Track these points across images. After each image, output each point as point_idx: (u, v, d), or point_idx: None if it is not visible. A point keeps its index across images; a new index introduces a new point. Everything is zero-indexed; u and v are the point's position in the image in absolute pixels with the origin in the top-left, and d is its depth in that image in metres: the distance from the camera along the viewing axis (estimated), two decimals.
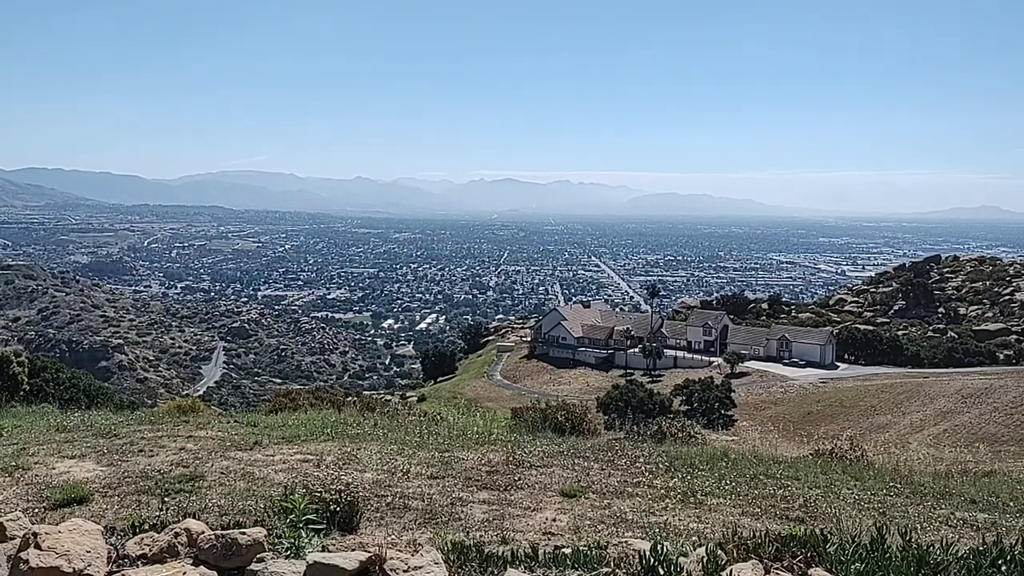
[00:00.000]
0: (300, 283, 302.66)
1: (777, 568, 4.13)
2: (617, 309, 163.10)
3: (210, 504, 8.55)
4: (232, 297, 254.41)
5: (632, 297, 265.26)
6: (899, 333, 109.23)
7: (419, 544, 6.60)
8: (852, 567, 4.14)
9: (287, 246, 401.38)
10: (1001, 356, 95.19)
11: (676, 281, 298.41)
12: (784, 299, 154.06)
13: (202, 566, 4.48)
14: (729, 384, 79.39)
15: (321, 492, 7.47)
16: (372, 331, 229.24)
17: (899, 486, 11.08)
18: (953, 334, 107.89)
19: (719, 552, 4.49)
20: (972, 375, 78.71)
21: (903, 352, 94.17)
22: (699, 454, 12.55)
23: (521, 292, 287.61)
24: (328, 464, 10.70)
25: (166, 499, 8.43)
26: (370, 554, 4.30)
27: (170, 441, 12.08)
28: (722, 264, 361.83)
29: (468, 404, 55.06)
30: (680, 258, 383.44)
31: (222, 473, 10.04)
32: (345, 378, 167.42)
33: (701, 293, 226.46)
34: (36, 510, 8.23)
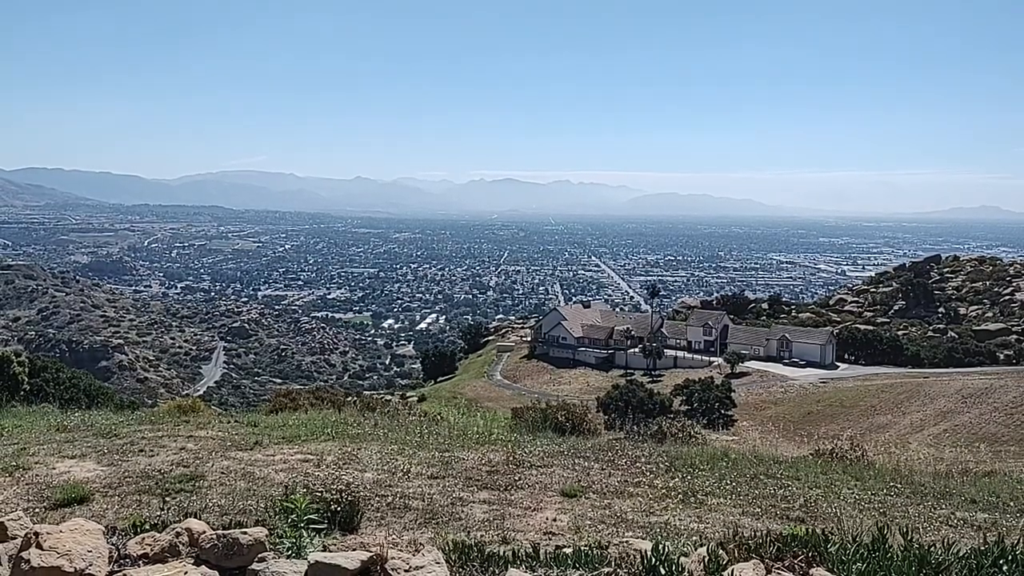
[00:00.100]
0: (300, 283, 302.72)
1: (778, 568, 4.13)
2: (617, 309, 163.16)
3: (211, 504, 8.56)
4: (232, 297, 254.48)
5: (632, 297, 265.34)
6: (899, 333, 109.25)
7: (420, 544, 6.59)
8: (854, 567, 4.14)
9: (287, 246, 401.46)
10: (1001, 356, 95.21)
11: (676, 281, 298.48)
12: (784, 299, 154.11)
13: (203, 566, 4.48)
14: (729, 384, 79.44)
15: (322, 492, 7.48)
16: (372, 331, 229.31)
17: (899, 486, 11.08)
18: (953, 334, 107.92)
19: (720, 552, 4.49)
20: (972, 375, 78.73)
21: (903, 352, 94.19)
22: (699, 454, 12.56)
23: (521, 292, 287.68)
24: (328, 464, 10.71)
25: (167, 499, 8.44)
26: (371, 554, 4.31)
27: (170, 441, 12.09)
28: (722, 264, 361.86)
29: (468, 404, 55.03)
30: (680, 258, 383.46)
31: (222, 473, 10.05)
32: (345, 378, 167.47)
33: (701, 293, 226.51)
34: (36, 510, 8.23)
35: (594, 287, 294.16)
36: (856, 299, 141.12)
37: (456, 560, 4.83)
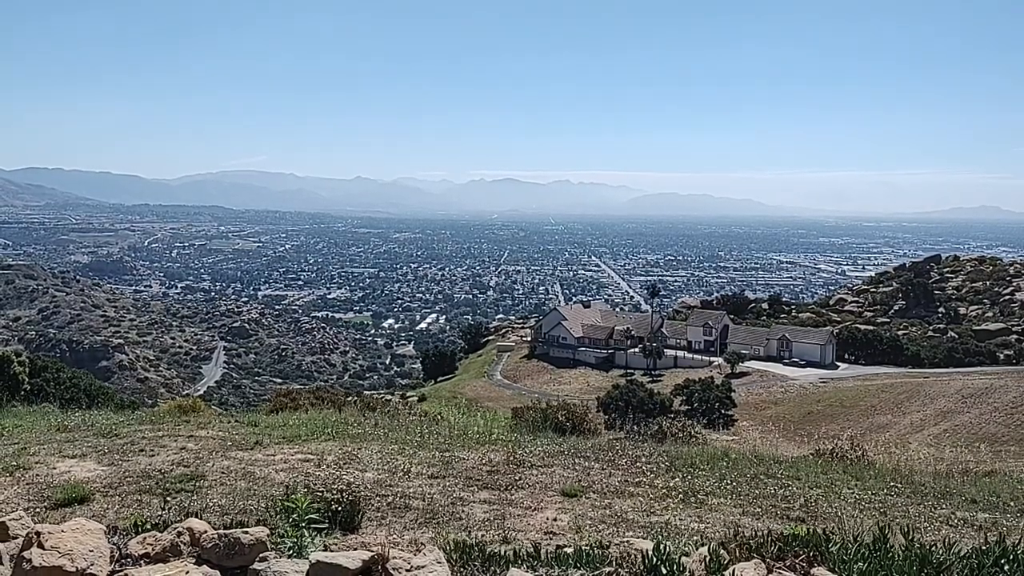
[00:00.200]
0: (300, 283, 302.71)
1: (780, 568, 4.13)
2: (617, 309, 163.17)
3: (211, 504, 8.56)
4: (232, 297, 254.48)
5: (632, 297, 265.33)
6: (899, 333, 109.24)
7: (421, 543, 6.60)
8: (855, 566, 4.14)
9: (287, 246, 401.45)
10: (1001, 356, 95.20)
11: (676, 281, 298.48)
12: (784, 299, 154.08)
13: (205, 565, 4.48)
14: (729, 384, 79.46)
15: (323, 492, 7.48)
16: (372, 331, 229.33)
17: (900, 486, 11.08)
18: (953, 334, 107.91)
19: (721, 551, 4.50)
20: (972, 375, 78.72)
21: (903, 352, 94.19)
22: (700, 454, 12.56)
23: (521, 292, 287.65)
24: (329, 464, 10.71)
25: (168, 498, 8.44)
26: (373, 553, 4.31)
27: (171, 441, 12.09)
28: (722, 264, 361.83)
29: (468, 404, 55.02)
30: (680, 258, 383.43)
31: (223, 473, 10.05)
32: (345, 378, 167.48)
33: (701, 293, 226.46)
34: (37, 510, 8.23)
35: (594, 287, 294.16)
36: (856, 299, 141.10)
37: (457, 560, 4.83)
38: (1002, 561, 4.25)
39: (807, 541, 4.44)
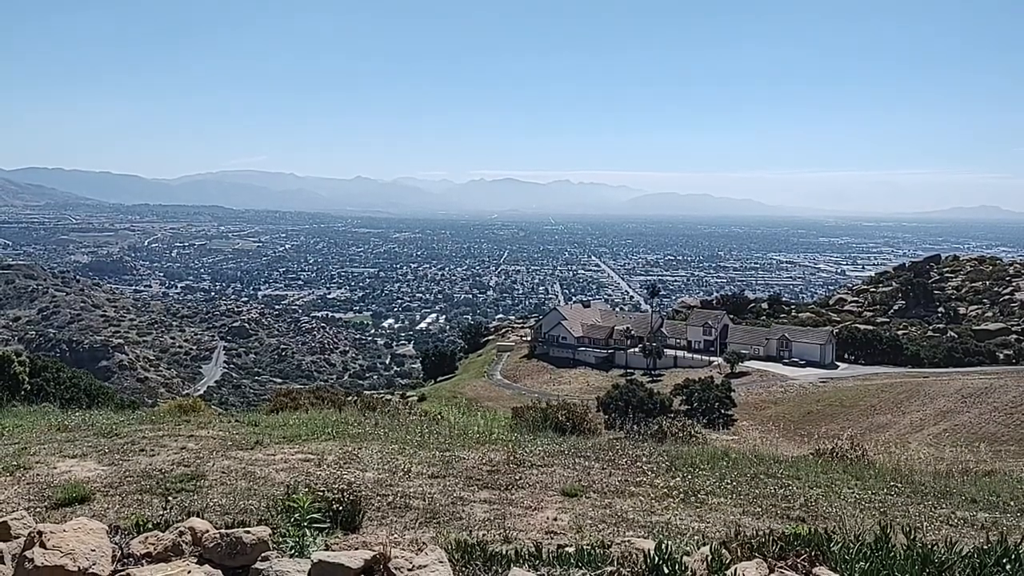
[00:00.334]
0: (300, 283, 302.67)
1: (781, 567, 4.13)
2: (617, 309, 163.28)
3: (212, 503, 8.56)
4: (232, 297, 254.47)
5: (632, 297, 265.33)
6: (899, 333, 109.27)
7: (422, 543, 6.60)
8: (857, 566, 4.14)
9: (287, 246, 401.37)
10: (1001, 356, 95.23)
11: (676, 281, 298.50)
12: (784, 299, 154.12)
13: (207, 564, 4.48)
14: (729, 384, 79.44)
15: (324, 491, 7.48)
16: (372, 331, 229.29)
17: (900, 485, 11.08)
18: (953, 334, 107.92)
19: (723, 551, 4.50)
20: (972, 375, 78.71)
21: (903, 352, 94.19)
22: (700, 453, 12.55)
23: (521, 292, 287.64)
24: (329, 463, 10.72)
25: (169, 498, 8.44)
26: (374, 553, 4.31)
27: (171, 440, 12.09)
28: (722, 264, 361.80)
29: (468, 404, 55.02)
30: (680, 258, 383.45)
31: (223, 472, 10.05)
32: (345, 378, 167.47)
33: (701, 293, 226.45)
34: (38, 509, 8.23)
35: (594, 287, 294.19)
36: (856, 299, 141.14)
37: (459, 559, 4.83)
38: (1003, 560, 4.26)
39: (809, 540, 4.44)
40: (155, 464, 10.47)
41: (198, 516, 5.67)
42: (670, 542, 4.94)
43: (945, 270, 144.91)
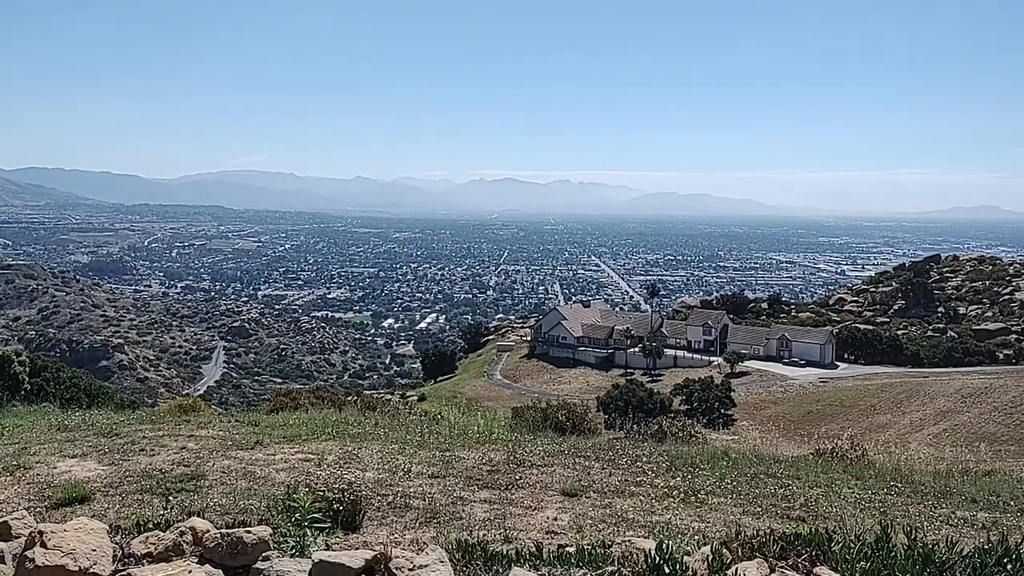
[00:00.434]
0: (300, 283, 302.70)
1: (782, 567, 4.13)
2: (617, 309, 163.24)
3: (212, 503, 8.57)
4: (232, 296, 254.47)
5: (632, 297, 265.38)
6: (899, 333, 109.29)
7: (423, 543, 6.60)
8: (857, 565, 4.14)
9: (287, 246, 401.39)
10: (1001, 355, 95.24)
11: (676, 281, 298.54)
12: (784, 299, 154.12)
13: (207, 564, 4.49)
14: (729, 384, 79.44)
15: (324, 491, 7.48)
16: (372, 330, 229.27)
17: (900, 485, 11.08)
18: (953, 334, 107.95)
19: (724, 551, 4.50)
20: (972, 375, 78.71)
21: (903, 352, 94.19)
22: (700, 453, 12.56)
23: (521, 292, 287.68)
24: (329, 463, 10.72)
25: (170, 498, 8.44)
26: (375, 553, 4.31)
27: (171, 440, 12.10)
28: (722, 264, 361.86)
29: (468, 403, 55.06)
30: (680, 258, 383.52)
31: (224, 472, 10.06)
32: (345, 377, 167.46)
33: (701, 293, 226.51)
34: (38, 509, 8.24)
35: (594, 287, 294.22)
36: (856, 299, 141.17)
37: (460, 559, 4.83)
38: (1004, 560, 4.26)
39: (809, 540, 4.44)
40: (155, 464, 10.47)
41: (198, 516, 5.67)
42: (671, 542, 4.94)
43: (945, 270, 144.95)
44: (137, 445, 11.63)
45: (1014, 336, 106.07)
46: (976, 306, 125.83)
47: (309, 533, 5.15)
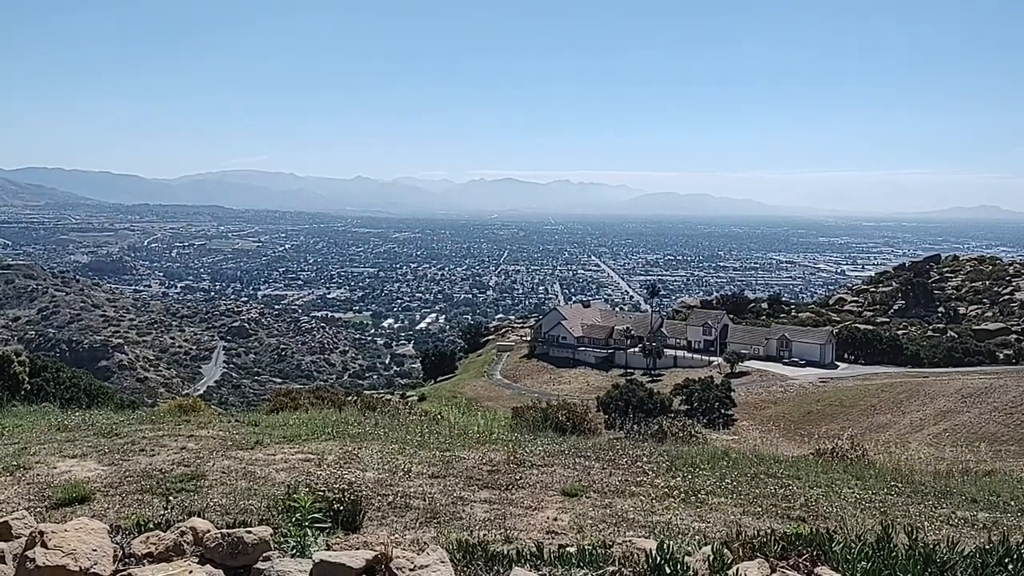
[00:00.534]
0: (300, 283, 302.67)
1: (783, 567, 4.13)
2: (617, 309, 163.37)
3: (212, 503, 8.56)
4: (232, 296, 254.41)
5: (632, 297, 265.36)
6: (899, 333, 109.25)
7: (423, 543, 6.60)
8: (859, 565, 4.14)
9: (287, 246, 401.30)
10: (1001, 355, 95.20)
11: (676, 281, 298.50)
12: (784, 299, 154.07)
13: (208, 564, 4.48)
14: (729, 383, 79.41)
15: (324, 491, 7.48)
16: (372, 330, 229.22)
17: (900, 485, 11.08)
18: (953, 334, 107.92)
19: (725, 551, 4.49)
20: (972, 375, 78.68)
21: (903, 352, 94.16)
22: (700, 453, 12.55)
23: (521, 292, 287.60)
24: (330, 463, 10.71)
25: (170, 498, 8.44)
26: (376, 553, 4.30)
27: (171, 440, 12.09)
28: (722, 264, 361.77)
29: (468, 403, 55.03)
30: (680, 258, 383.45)
31: (224, 472, 10.05)
32: (345, 377, 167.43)
33: (701, 292, 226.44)
34: (38, 509, 8.23)
35: (594, 287, 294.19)
36: (856, 299, 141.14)
37: (460, 559, 4.82)
38: (1005, 560, 4.26)
39: (810, 540, 4.44)
40: (155, 464, 10.47)
41: (199, 516, 5.67)
42: (672, 542, 4.94)
43: (945, 270, 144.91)
44: (137, 445, 11.63)
45: (1014, 336, 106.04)
46: (976, 306, 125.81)
47: (310, 533, 5.15)
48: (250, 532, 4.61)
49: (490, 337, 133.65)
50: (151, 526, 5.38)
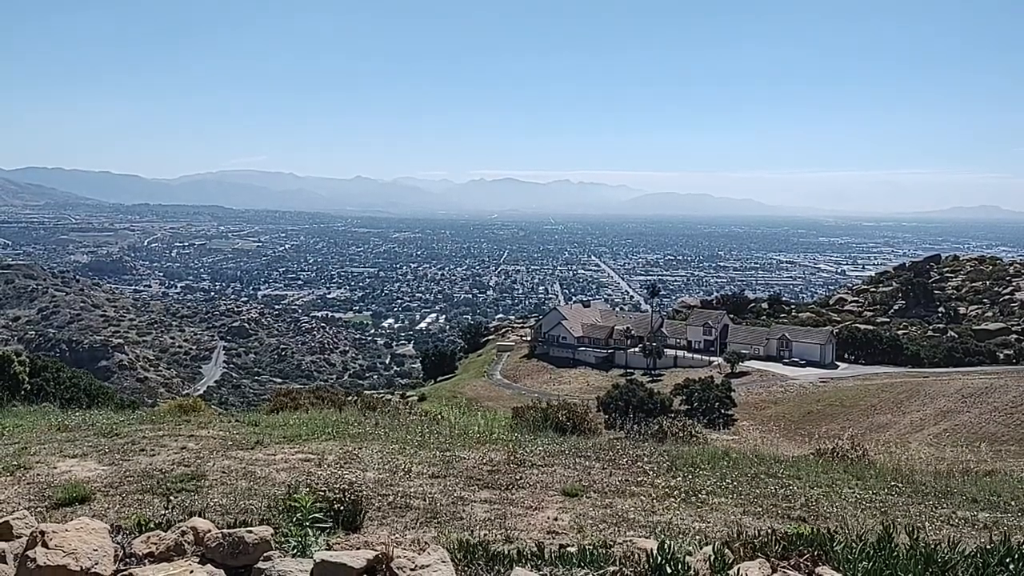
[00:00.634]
0: (300, 282, 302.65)
1: (784, 567, 4.13)
2: (617, 309, 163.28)
3: (213, 503, 8.56)
4: (232, 296, 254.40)
5: (632, 297, 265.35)
6: (899, 333, 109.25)
7: (424, 543, 6.60)
8: (860, 565, 4.14)
9: (287, 245, 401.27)
10: (1001, 355, 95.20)
11: (676, 281, 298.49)
12: (784, 299, 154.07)
13: (209, 564, 4.48)
14: (729, 384, 79.41)
15: (325, 491, 7.48)
16: (372, 330, 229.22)
17: (901, 485, 11.08)
18: (953, 334, 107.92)
19: (726, 550, 4.49)
20: (972, 375, 78.68)
21: (903, 352, 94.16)
22: (700, 453, 12.56)
23: (521, 292, 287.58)
24: (330, 463, 10.71)
25: (170, 498, 8.44)
26: (377, 552, 4.30)
27: (171, 440, 12.09)
28: (722, 264, 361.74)
29: (468, 403, 55.08)
30: (680, 258, 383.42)
31: (224, 472, 10.05)
32: (345, 377, 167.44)
33: (701, 292, 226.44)
34: (38, 509, 8.23)
35: (594, 287, 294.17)
36: (856, 299, 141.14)
37: (461, 559, 4.82)
38: (1007, 560, 4.26)
39: (811, 540, 4.44)
40: (155, 464, 10.47)
41: (199, 516, 5.67)
42: (672, 542, 4.94)
43: (945, 270, 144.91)
44: (137, 445, 11.63)
45: (1014, 336, 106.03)
46: (976, 306, 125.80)
47: (310, 533, 5.15)
48: (251, 532, 4.62)
49: (490, 337, 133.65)
50: (152, 526, 5.38)
